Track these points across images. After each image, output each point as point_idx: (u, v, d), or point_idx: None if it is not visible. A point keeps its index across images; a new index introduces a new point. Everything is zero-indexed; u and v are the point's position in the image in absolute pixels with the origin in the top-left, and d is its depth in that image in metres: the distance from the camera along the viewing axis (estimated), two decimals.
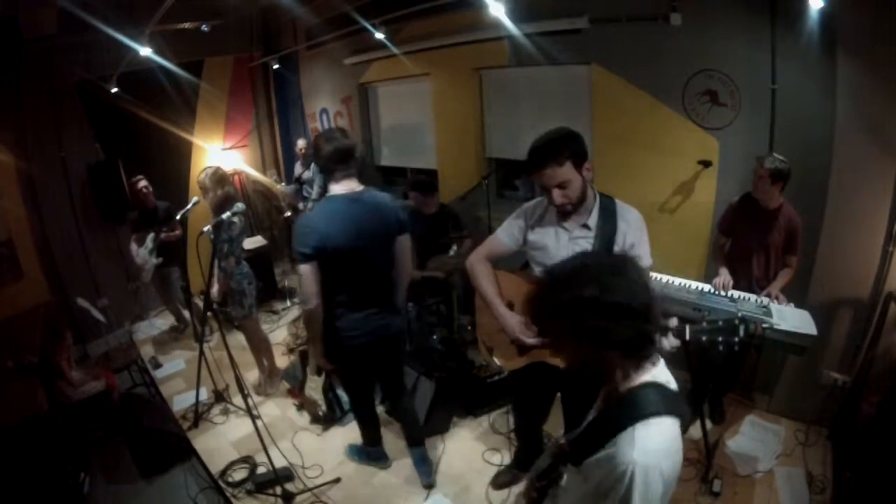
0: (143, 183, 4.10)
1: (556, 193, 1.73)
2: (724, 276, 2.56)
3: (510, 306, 1.96)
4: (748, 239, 2.63)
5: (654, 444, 0.95)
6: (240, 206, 2.83)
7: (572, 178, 1.72)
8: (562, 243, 1.86)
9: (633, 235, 1.83)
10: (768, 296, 2.42)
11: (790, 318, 2.13)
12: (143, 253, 3.98)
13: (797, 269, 2.60)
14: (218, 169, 3.18)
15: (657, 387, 1.02)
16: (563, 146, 1.71)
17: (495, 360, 2.05)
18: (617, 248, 1.82)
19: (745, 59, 2.75)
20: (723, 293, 2.39)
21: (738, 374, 2.98)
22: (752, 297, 2.36)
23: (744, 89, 2.79)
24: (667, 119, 3.09)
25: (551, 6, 3.36)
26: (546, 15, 3.37)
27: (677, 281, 2.49)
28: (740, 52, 2.75)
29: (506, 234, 2.00)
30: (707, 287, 2.44)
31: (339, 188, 2.16)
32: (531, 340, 1.86)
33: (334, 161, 2.12)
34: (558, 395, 2.26)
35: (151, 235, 3.98)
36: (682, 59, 2.94)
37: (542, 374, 1.97)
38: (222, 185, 3.10)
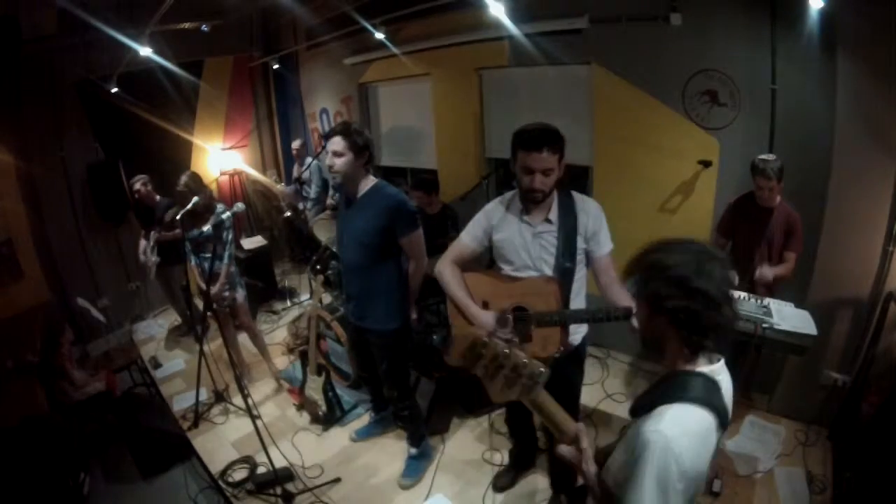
0: (137, 185, 4.02)
1: (539, 178, 1.79)
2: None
3: (485, 306, 1.96)
4: (749, 238, 2.63)
5: (681, 425, 0.97)
6: (240, 205, 2.89)
7: (556, 168, 1.80)
8: (527, 239, 1.92)
9: (594, 224, 1.90)
10: (756, 281, 2.44)
11: (790, 318, 2.13)
12: (148, 250, 3.98)
13: (797, 269, 2.60)
14: (195, 173, 3.29)
15: (708, 380, 1.05)
16: (559, 137, 1.80)
17: None
18: (580, 238, 1.88)
19: (745, 59, 2.75)
20: None
21: (737, 374, 2.98)
22: (752, 297, 2.36)
23: (744, 89, 2.79)
24: (667, 119, 3.09)
25: (551, 6, 3.36)
26: (546, 15, 3.38)
27: None
28: (740, 52, 2.75)
29: (470, 237, 2.03)
30: None
31: None
32: (506, 336, 1.86)
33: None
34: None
35: (153, 233, 3.97)
36: (682, 59, 2.94)
37: None
38: (205, 187, 3.21)
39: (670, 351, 1.08)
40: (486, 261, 2.22)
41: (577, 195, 1.94)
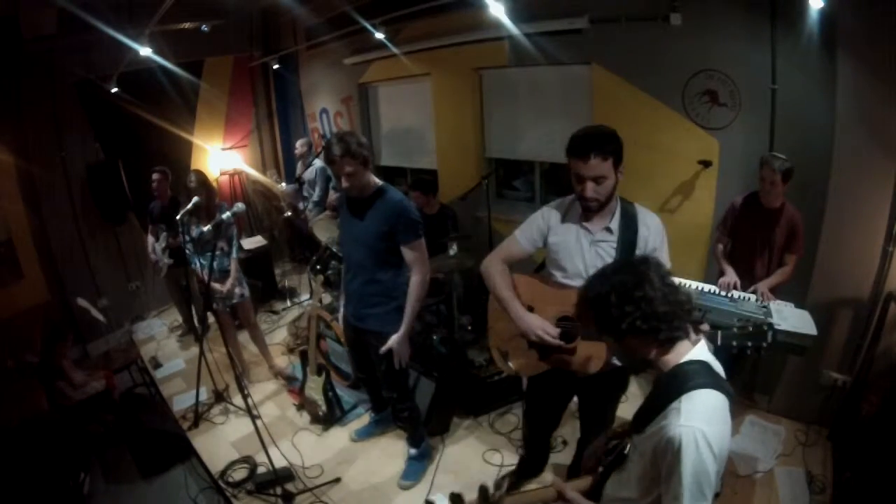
0: (154, 176, 3.96)
1: (590, 186, 1.70)
2: (732, 276, 2.56)
3: (530, 310, 1.90)
4: (751, 239, 2.63)
5: (702, 412, 1.01)
6: (240, 205, 2.90)
7: (609, 175, 1.71)
8: (584, 246, 1.83)
9: (655, 240, 1.81)
10: (754, 292, 2.42)
11: (790, 318, 2.14)
12: (158, 249, 3.97)
13: (797, 269, 2.59)
14: (201, 171, 3.31)
15: (700, 363, 1.10)
16: (611, 142, 1.70)
17: (510, 365, 1.99)
18: (639, 253, 1.79)
19: (745, 59, 2.75)
20: (723, 293, 2.39)
21: (737, 374, 2.98)
22: (752, 297, 2.36)
23: (744, 89, 2.79)
24: (667, 119, 3.09)
25: (551, 6, 3.36)
26: (546, 15, 3.38)
27: (677, 280, 2.48)
28: (740, 52, 2.76)
29: (524, 237, 1.95)
30: (707, 287, 2.44)
31: None
32: (554, 341, 1.81)
33: None
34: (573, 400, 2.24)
35: (164, 234, 3.94)
36: (682, 59, 2.94)
37: (559, 380, 1.95)
38: (210, 186, 3.22)
39: (654, 357, 1.12)
40: (537, 265, 2.14)
41: (640, 208, 1.86)
